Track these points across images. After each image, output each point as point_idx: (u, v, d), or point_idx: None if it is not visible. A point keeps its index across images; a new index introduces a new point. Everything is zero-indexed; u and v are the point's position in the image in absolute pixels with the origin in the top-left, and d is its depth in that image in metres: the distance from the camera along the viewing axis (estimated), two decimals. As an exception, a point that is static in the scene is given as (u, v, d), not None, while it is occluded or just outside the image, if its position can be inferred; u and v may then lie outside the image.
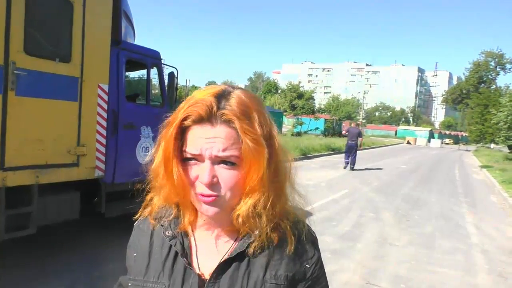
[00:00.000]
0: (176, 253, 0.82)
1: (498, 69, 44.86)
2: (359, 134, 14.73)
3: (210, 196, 0.74)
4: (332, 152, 21.33)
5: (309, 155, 18.20)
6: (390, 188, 11.13)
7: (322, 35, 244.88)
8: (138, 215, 0.93)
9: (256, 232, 0.78)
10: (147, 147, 4.90)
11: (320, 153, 19.76)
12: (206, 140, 0.73)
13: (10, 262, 3.94)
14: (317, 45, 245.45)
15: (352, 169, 14.54)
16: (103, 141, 4.34)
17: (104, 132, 4.34)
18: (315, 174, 12.51)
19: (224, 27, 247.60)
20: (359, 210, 7.90)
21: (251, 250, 0.78)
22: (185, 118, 0.74)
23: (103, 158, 4.35)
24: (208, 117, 0.73)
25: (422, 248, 5.71)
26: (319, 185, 10.39)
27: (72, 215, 4.23)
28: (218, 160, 0.74)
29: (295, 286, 0.82)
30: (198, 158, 0.75)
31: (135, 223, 0.93)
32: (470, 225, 7.50)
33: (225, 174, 0.74)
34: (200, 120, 0.73)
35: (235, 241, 0.82)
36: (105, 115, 4.33)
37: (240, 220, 0.76)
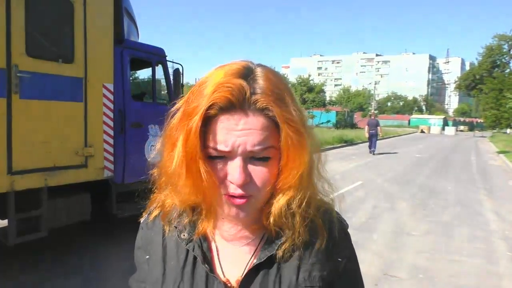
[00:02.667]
0: (195, 258, 0.72)
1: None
2: (378, 124, 17.10)
3: (242, 197, 0.64)
4: (345, 144, 21.15)
5: (322, 148, 17.95)
6: (405, 178, 10.94)
7: (330, 27, 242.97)
8: (144, 215, 0.83)
9: (287, 232, 0.69)
10: (155, 145, 4.87)
11: (333, 146, 19.61)
12: (238, 133, 0.61)
13: (21, 263, 3.95)
14: (325, 38, 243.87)
15: (373, 153, 16.81)
16: (111, 141, 4.32)
17: (111, 132, 4.32)
18: (329, 166, 11.85)
19: (232, 24, 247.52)
20: (374, 201, 7.77)
21: (280, 253, 0.69)
22: (210, 107, 0.61)
23: (111, 158, 4.33)
24: (240, 104, 0.61)
25: (440, 237, 5.57)
26: (333, 178, 9.96)
27: (83, 217, 4.22)
28: (251, 156, 0.63)
29: (331, 284, 0.73)
30: (226, 155, 0.63)
31: (141, 223, 0.83)
32: (489, 212, 7.31)
33: (259, 172, 0.64)
34: (229, 108, 0.61)
35: (260, 242, 0.72)
36: (111, 114, 4.31)
37: (271, 219, 0.67)
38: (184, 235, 0.73)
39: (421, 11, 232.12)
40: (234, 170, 0.62)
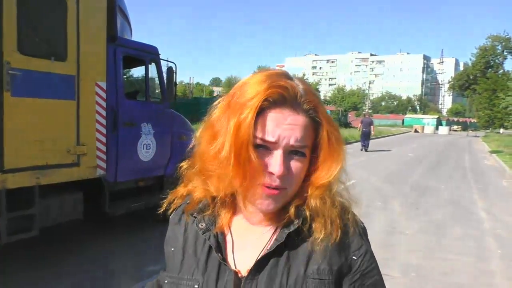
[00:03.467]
0: (210, 248, 0.76)
1: (505, 53, 44.18)
2: (371, 123, 18.14)
3: (277, 188, 0.69)
4: (339, 144, 21.16)
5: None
6: (398, 177, 11.00)
7: (325, 27, 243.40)
8: (171, 209, 0.86)
9: (296, 222, 0.73)
10: (148, 144, 4.85)
11: (326, 145, 19.62)
12: (285, 126, 0.68)
13: (14, 263, 3.92)
14: (320, 37, 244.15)
15: (366, 150, 17.56)
16: (103, 139, 4.29)
17: (104, 131, 4.29)
18: None
19: (226, 23, 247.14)
20: (367, 200, 7.79)
21: (291, 241, 0.72)
22: (264, 100, 0.67)
23: (104, 156, 4.30)
24: (291, 102, 0.69)
25: (432, 236, 5.61)
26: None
27: (75, 216, 4.20)
28: (290, 150, 0.69)
29: (341, 280, 0.74)
30: (270, 145, 0.69)
31: (170, 217, 0.87)
32: (482, 211, 7.37)
33: (296, 166, 0.70)
34: (282, 104, 0.68)
35: (274, 232, 0.75)
36: (104, 113, 4.28)
37: (307, 212, 0.73)
38: (202, 225, 0.78)
39: (415, 11, 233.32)
40: (275, 161, 0.68)
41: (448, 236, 5.64)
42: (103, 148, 4.29)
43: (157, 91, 5.77)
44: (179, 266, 0.79)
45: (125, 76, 5.42)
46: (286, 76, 0.71)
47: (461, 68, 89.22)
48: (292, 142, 0.68)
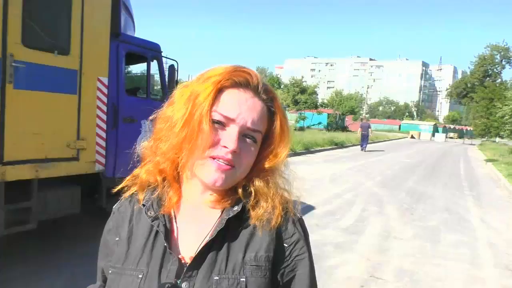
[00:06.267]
0: (155, 236, 0.76)
1: (504, 63, 44.42)
2: (369, 126, 20.70)
3: (228, 162, 0.72)
4: (336, 147, 21.27)
5: (312, 150, 18.12)
6: (394, 182, 11.05)
7: (325, 30, 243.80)
8: (122, 197, 0.86)
9: (236, 208, 0.75)
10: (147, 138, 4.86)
11: (323, 148, 19.68)
12: (245, 107, 0.72)
13: (9, 256, 3.92)
14: (320, 40, 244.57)
15: (365, 150, 20.13)
16: (103, 135, 4.30)
17: (104, 126, 4.30)
18: (319, 168, 12.45)
19: (227, 23, 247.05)
20: (363, 204, 7.84)
21: (233, 227, 0.75)
22: (227, 79, 0.72)
23: (103, 152, 4.31)
24: (253, 87, 0.74)
25: (426, 242, 5.65)
26: (323, 180, 10.33)
27: (73, 210, 4.19)
28: (244, 132, 0.73)
29: (277, 267, 0.76)
30: (227, 122, 0.72)
31: (113, 207, 0.88)
32: (476, 219, 7.43)
33: (247, 149, 0.74)
34: (245, 86, 0.74)
35: (217, 217, 0.77)
36: (105, 108, 4.29)
37: (252, 190, 0.76)
38: (151, 213, 0.78)
39: (415, 18, 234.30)
40: (231, 136, 0.71)
41: (442, 242, 5.68)
42: (103, 143, 4.29)
43: (156, 88, 5.79)
44: (123, 257, 0.78)
45: (126, 72, 5.41)
46: (249, 68, 0.77)
47: (459, 75, 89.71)
48: (249, 123, 0.72)
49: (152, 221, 0.77)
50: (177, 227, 0.79)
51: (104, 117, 4.29)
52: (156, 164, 0.78)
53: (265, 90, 0.76)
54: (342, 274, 4.22)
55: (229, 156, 0.71)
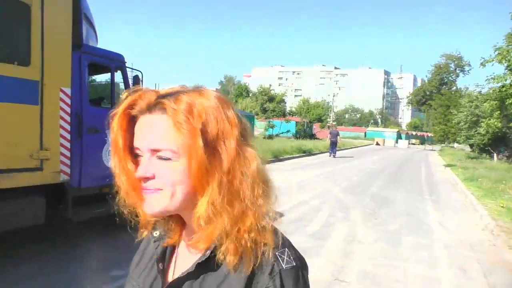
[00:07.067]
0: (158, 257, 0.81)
1: (457, 71, 46.81)
2: (338, 134, 22.23)
3: (148, 187, 0.69)
4: (304, 154, 21.62)
5: (281, 158, 18.34)
6: (359, 188, 11.38)
7: (292, 39, 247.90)
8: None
9: (207, 252, 0.70)
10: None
11: (291, 156, 19.97)
12: (145, 130, 0.69)
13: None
14: (286, 49, 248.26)
15: (334, 157, 21.53)
16: (67, 145, 4.25)
17: (68, 136, 4.25)
18: (287, 176, 12.63)
19: (193, 32, 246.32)
20: (329, 210, 8.04)
21: (207, 267, 0.70)
22: (131, 107, 0.71)
23: (68, 162, 4.25)
24: (147, 107, 0.69)
25: (388, 245, 5.88)
26: (291, 187, 10.49)
27: (36, 221, 4.10)
28: (155, 155, 0.68)
29: None
30: (140, 152, 0.70)
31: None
32: (434, 222, 7.78)
33: (162, 169, 0.68)
34: (143, 110, 0.70)
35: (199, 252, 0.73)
36: (68, 118, 4.24)
37: (202, 222, 0.67)
38: (156, 234, 0.82)
39: (377, 27, 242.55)
40: (140, 165, 0.69)
41: (403, 245, 5.93)
42: (67, 153, 4.24)
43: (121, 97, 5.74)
44: (134, 266, 0.86)
45: (90, 82, 5.36)
46: (146, 88, 0.72)
47: (419, 83, 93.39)
48: (146, 145, 0.68)
49: (154, 242, 0.83)
50: (177, 252, 0.82)
51: (68, 127, 4.24)
52: None
53: (159, 103, 0.68)
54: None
55: (147, 183, 0.69)
